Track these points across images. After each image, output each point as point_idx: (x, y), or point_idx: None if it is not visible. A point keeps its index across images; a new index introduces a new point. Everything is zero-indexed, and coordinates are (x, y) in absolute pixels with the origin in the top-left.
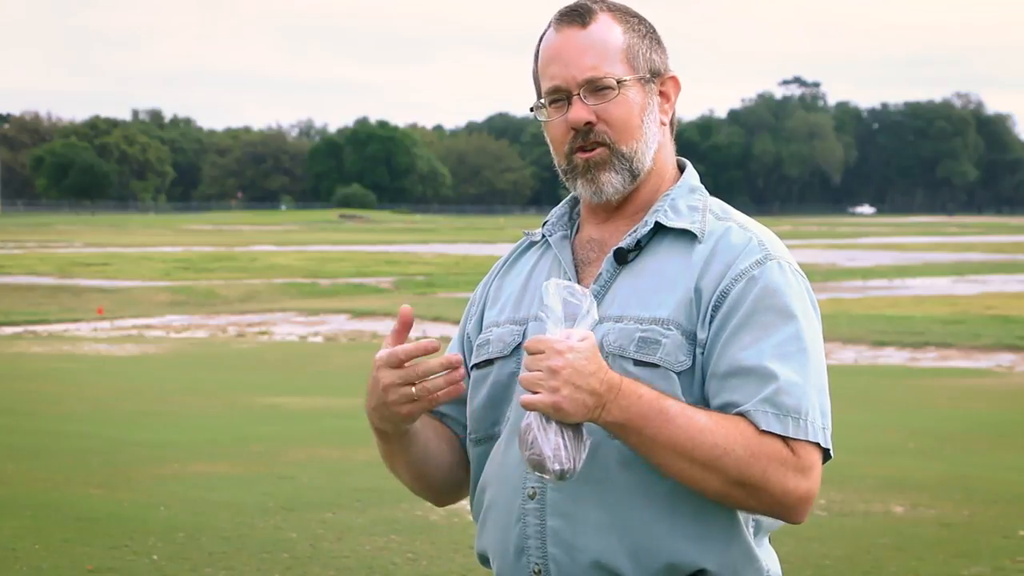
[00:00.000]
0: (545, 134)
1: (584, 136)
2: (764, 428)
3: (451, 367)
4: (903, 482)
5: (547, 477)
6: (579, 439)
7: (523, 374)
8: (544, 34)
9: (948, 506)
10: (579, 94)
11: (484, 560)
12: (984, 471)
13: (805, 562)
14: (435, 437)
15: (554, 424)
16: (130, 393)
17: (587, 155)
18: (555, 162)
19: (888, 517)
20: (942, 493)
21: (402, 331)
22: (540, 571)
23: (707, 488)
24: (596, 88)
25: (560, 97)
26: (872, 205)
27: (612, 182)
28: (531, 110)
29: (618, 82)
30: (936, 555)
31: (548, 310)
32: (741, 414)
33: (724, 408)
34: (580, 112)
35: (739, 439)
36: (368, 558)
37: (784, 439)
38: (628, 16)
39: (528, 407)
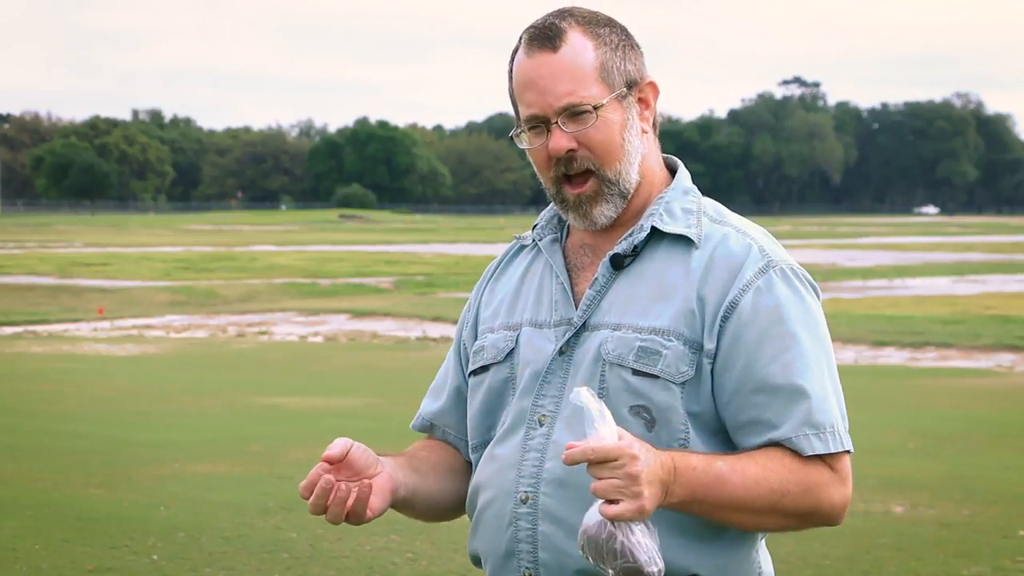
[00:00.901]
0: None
1: (567, 163)
2: (810, 453)
3: (312, 485)
4: (903, 482)
5: None
6: (652, 533)
7: (596, 484)
8: (515, 53)
9: (948, 506)
10: (557, 122)
11: (476, 561)
12: (984, 471)
13: (805, 562)
14: (436, 479)
15: (635, 526)
16: (130, 393)
17: (577, 190)
18: (543, 184)
19: (888, 517)
20: (942, 493)
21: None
22: (530, 575)
23: (764, 527)
24: (574, 115)
25: (538, 124)
26: (935, 205)
27: (605, 213)
28: (510, 137)
29: (596, 107)
30: (936, 555)
31: (590, 414)
32: (780, 442)
33: (751, 424)
34: (560, 141)
35: (790, 477)
36: (368, 558)
37: (825, 457)
38: (598, 28)
39: (616, 519)
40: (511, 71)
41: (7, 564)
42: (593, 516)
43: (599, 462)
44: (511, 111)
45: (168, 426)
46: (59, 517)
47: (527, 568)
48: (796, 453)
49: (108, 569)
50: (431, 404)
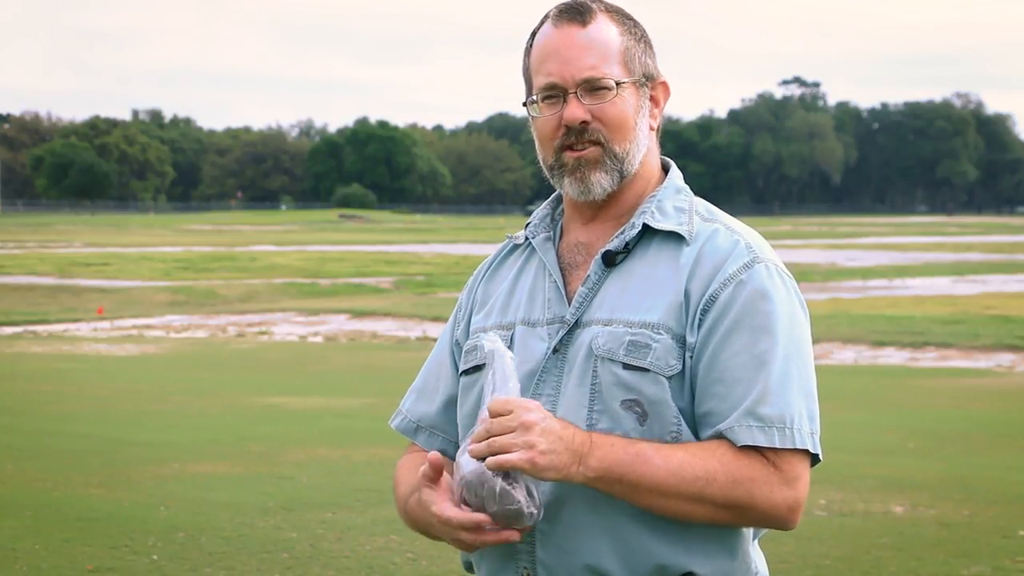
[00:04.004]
0: (532, 130)
1: (578, 134)
2: (747, 443)
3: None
4: (903, 482)
5: (522, 527)
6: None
7: (497, 439)
8: (538, 30)
9: (948, 506)
10: (576, 93)
11: (468, 567)
12: (984, 471)
13: (805, 562)
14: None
15: (513, 476)
16: (130, 393)
17: (578, 153)
18: (540, 158)
19: (888, 517)
20: (942, 493)
21: (436, 477)
22: (529, 574)
23: (696, 517)
24: (594, 88)
25: (555, 94)
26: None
27: (601, 182)
28: (523, 104)
29: (617, 83)
30: (936, 555)
31: (499, 374)
32: (722, 432)
33: (706, 416)
34: (576, 111)
35: (719, 467)
36: (368, 558)
37: (767, 452)
38: (624, 18)
39: (503, 467)
40: (529, 47)
41: (7, 564)
42: (469, 463)
43: (498, 414)
44: (511, 111)
45: (168, 426)
46: (59, 517)
47: (525, 568)
48: (734, 444)
49: (108, 569)
50: (419, 406)
